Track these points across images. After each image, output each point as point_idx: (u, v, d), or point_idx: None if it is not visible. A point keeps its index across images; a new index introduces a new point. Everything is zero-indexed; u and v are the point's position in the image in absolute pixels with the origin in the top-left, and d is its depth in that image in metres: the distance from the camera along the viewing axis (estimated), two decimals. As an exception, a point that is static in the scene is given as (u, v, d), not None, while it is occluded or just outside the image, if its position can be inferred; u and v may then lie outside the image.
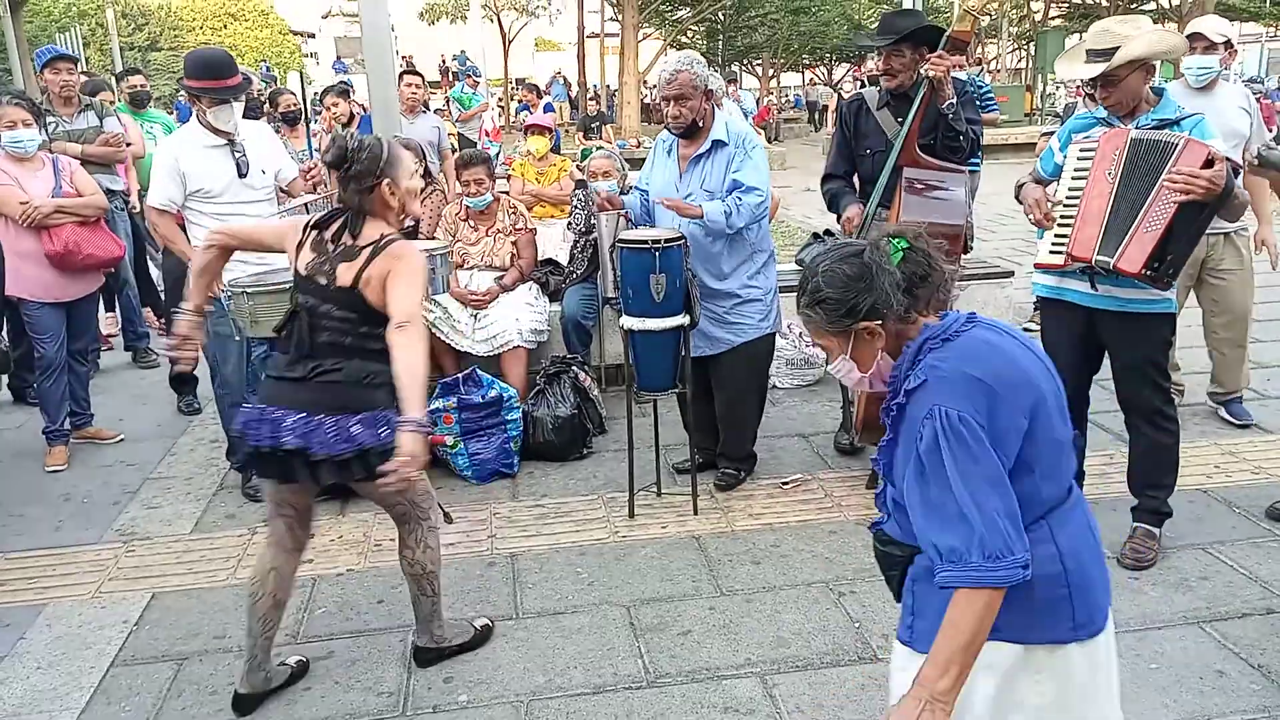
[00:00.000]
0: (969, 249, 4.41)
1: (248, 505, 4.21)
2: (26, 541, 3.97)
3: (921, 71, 3.85)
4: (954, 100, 3.84)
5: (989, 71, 30.09)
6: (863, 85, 13.93)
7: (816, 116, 28.91)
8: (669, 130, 4.03)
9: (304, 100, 7.40)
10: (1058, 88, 19.82)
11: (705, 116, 3.92)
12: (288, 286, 3.82)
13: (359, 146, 2.70)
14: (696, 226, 3.84)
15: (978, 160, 6.30)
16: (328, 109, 7.34)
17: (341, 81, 8.88)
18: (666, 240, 3.66)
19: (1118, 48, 3.15)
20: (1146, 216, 3.09)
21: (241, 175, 4.14)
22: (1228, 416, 4.76)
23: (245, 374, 4.30)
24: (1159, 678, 2.83)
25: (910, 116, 3.85)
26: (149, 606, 3.42)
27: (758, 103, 22.86)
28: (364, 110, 7.66)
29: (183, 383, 5.50)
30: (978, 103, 6.84)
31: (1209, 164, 2.99)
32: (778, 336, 4.34)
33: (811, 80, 39.11)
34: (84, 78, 6.55)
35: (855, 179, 4.26)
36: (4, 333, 4.70)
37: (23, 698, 2.93)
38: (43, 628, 3.31)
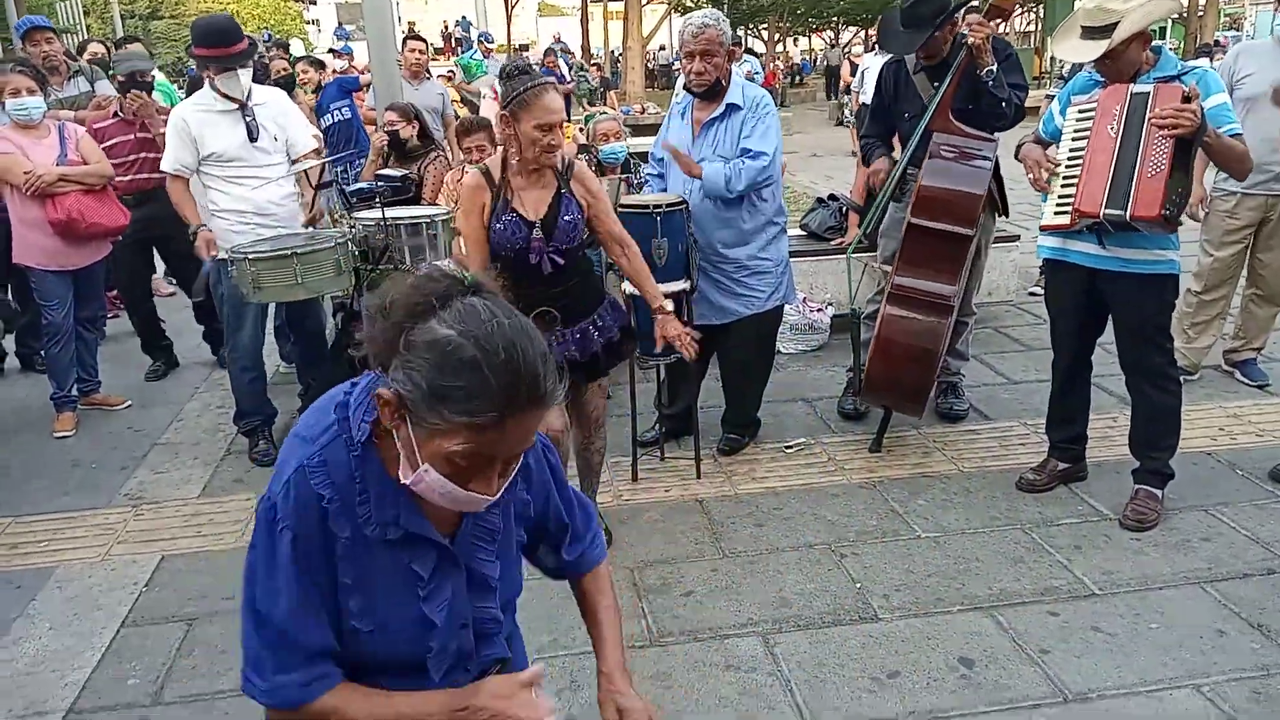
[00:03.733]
0: (1007, 214, 4.38)
1: (255, 470, 4.24)
2: (36, 506, 4.00)
3: (961, 35, 3.80)
4: (994, 67, 3.79)
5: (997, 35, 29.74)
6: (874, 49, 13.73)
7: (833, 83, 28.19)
8: (689, 90, 3.93)
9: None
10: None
11: (727, 77, 3.86)
12: (289, 252, 3.85)
13: (515, 73, 2.94)
14: (707, 194, 3.81)
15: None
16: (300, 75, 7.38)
17: (332, 50, 8.86)
18: (668, 205, 3.65)
19: (1115, 23, 3.11)
20: (1145, 162, 3.09)
21: (253, 139, 4.13)
22: (1242, 378, 4.77)
23: (260, 339, 4.31)
24: (1159, 637, 2.85)
25: (945, 82, 3.81)
26: (158, 569, 3.46)
27: (764, 68, 22.57)
28: (353, 75, 7.66)
29: (154, 349, 5.56)
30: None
31: (1187, 100, 3.02)
32: (781, 302, 4.33)
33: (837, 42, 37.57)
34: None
35: (895, 141, 4.23)
36: (9, 294, 4.73)
37: (35, 657, 2.97)
38: (54, 590, 3.35)
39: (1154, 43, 3.30)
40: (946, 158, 3.78)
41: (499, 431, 1.20)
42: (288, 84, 6.97)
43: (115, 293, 6.74)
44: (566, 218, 3.07)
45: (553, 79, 3.13)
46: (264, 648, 1.33)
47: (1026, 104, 4.01)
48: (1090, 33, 3.18)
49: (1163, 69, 3.24)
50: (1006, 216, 4.44)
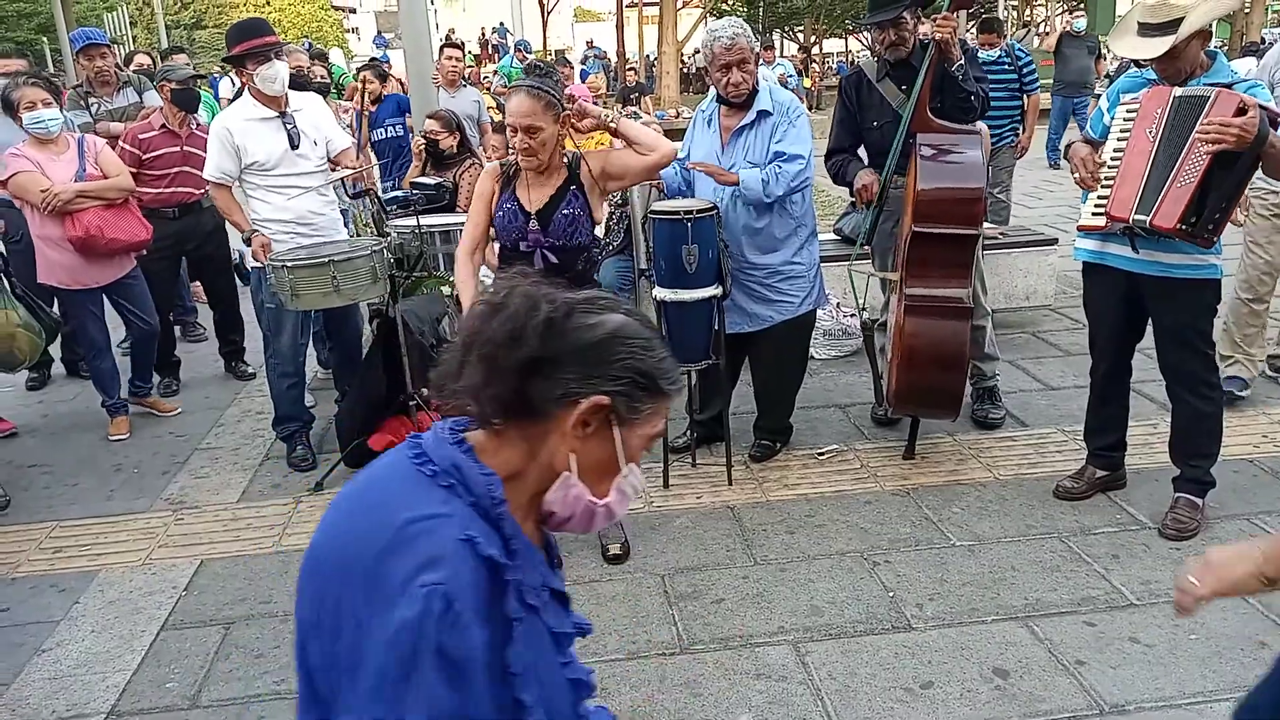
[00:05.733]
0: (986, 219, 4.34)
1: (293, 475, 4.30)
2: (80, 510, 4.09)
3: (926, 34, 3.80)
4: (962, 61, 3.79)
5: (1038, 35, 29.30)
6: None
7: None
8: (723, 100, 3.91)
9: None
10: (1108, 51, 19.28)
11: (756, 82, 3.87)
12: (325, 260, 3.90)
13: (528, 70, 3.13)
14: (738, 196, 3.81)
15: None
16: (362, 82, 7.38)
17: (373, 59, 8.91)
18: (698, 211, 3.65)
19: (1177, 20, 3.03)
20: (1180, 172, 3.03)
21: (293, 146, 4.19)
22: None
23: (299, 346, 4.37)
24: (1199, 648, 2.80)
25: (919, 82, 3.80)
26: (197, 573, 3.52)
27: (800, 72, 22.38)
28: (401, 88, 7.68)
29: (164, 365, 5.47)
30: (1022, 78, 6.74)
31: (1241, 112, 2.90)
32: (815, 308, 4.32)
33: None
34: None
35: (861, 152, 4.23)
36: (54, 303, 4.80)
37: (78, 659, 3.04)
38: (96, 593, 3.42)
39: (1209, 46, 3.22)
40: (935, 158, 3.75)
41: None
42: (322, 91, 7.04)
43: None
44: (565, 211, 3.15)
45: (530, 82, 3.12)
46: None
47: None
48: (1148, 30, 3.11)
49: (1215, 75, 3.15)
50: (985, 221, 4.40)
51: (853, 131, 4.25)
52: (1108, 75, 17.20)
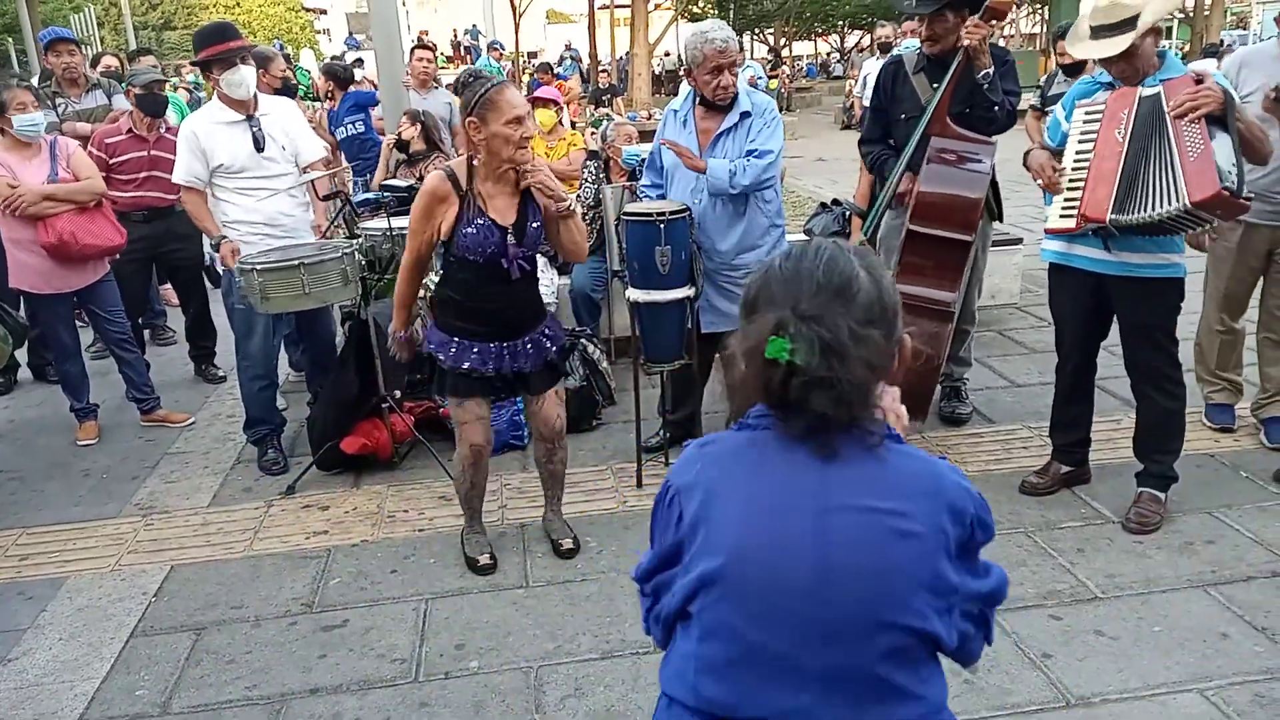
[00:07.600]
0: (1001, 219, 4.36)
1: (264, 479, 4.28)
2: (47, 516, 4.05)
3: (960, 39, 3.82)
4: (990, 70, 3.80)
5: (1003, 36, 29.62)
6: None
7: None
8: (709, 104, 3.91)
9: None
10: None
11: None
12: (296, 262, 3.89)
13: (469, 80, 2.99)
14: (710, 190, 3.82)
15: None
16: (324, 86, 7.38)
17: (333, 58, 8.87)
18: (671, 213, 3.67)
19: (1129, 19, 3.08)
20: (1182, 155, 3.03)
21: (259, 149, 4.17)
22: (1265, 441, 4.08)
23: (270, 349, 4.34)
24: (1162, 640, 2.85)
25: (943, 84, 3.83)
26: (168, 578, 3.49)
27: (770, 74, 22.47)
28: (373, 86, 7.66)
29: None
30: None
31: (1198, 82, 3.02)
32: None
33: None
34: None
35: (892, 143, 4.23)
36: (22, 309, 4.74)
37: (45, 668, 3.01)
38: (64, 600, 3.39)
39: (1163, 47, 3.26)
40: (944, 162, 3.79)
41: None
42: (288, 90, 6.99)
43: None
44: (534, 224, 3.16)
45: (506, 80, 3.17)
46: None
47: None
48: (1101, 31, 3.15)
49: (1167, 73, 3.21)
50: (1001, 221, 4.44)
51: (884, 122, 4.26)
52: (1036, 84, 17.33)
